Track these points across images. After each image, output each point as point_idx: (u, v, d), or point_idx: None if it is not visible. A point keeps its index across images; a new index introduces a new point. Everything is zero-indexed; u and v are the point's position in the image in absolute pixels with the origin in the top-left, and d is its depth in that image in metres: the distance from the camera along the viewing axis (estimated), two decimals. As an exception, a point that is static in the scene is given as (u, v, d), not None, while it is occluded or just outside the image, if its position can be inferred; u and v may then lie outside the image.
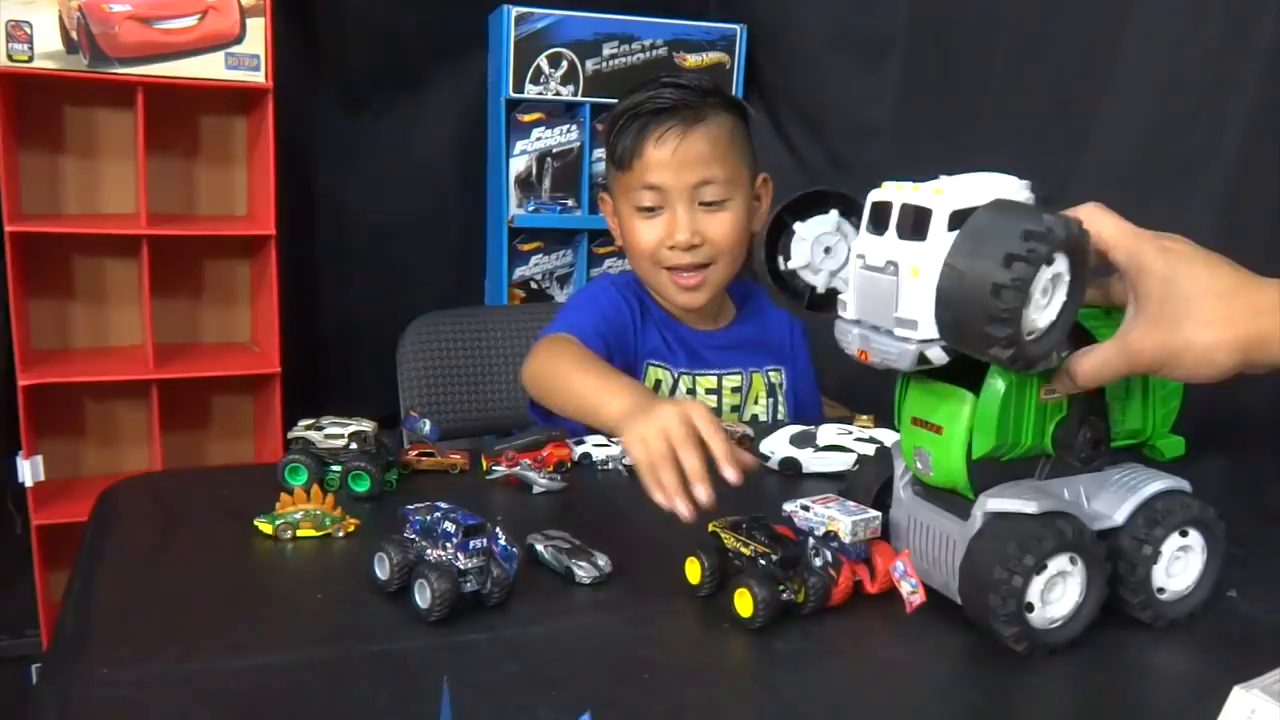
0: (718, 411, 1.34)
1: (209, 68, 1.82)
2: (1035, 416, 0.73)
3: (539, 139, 2.13)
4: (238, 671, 0.66)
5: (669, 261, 1.29)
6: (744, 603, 0.73)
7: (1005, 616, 0.69)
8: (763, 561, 0.75)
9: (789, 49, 2.05)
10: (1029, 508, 0.71)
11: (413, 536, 0.77)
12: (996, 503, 0.72)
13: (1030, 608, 0.70)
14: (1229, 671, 0.60)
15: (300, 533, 0.88)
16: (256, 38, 1.83)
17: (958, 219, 0.66)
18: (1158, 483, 0.76)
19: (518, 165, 2.13)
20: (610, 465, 1.11)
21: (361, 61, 2.13)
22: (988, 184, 0.69)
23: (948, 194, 0.67)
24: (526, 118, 2.11)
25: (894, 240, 0.69)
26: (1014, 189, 0.70)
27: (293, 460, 0.97)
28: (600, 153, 2.18)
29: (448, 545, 0.74)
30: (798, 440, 1.14)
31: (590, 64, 2.09)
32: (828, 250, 0.77)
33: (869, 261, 0.71)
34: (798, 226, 0.77)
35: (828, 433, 1.11)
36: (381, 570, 0.77)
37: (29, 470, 1.86)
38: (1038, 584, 0.70)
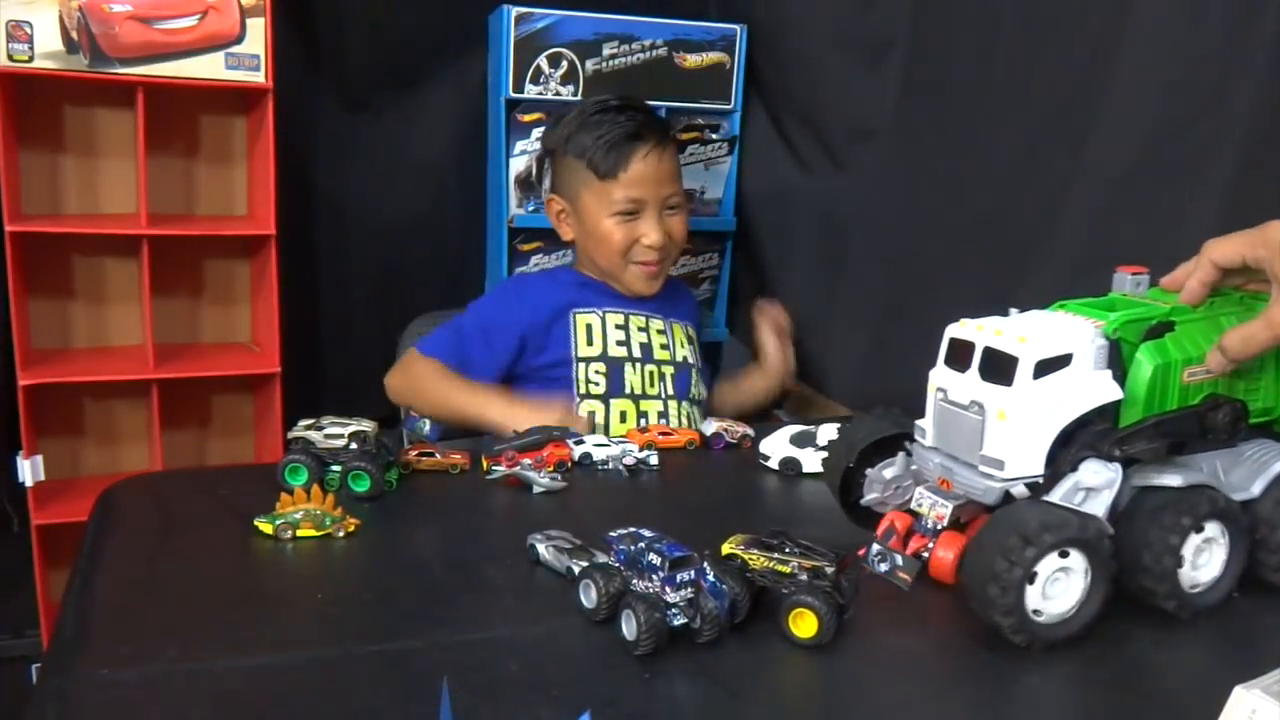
0: (648, 348, 1.60)
1: (209, 68, 1.82)
2: (1179, 397, 0.78)
3: (539, 139, 2.13)
4: (238, 671, 0.66)
5: (639, 257, 1.59)
6: (807, 624, 0.71)
7: (1159, 574, 0.74)
8: (804, 576, 0.73)
9: (789, 49, 2.05)
10: (1174, 481, 0.75)
11: (618, 565, 0.74)
12: (1142, 478, 0.76)
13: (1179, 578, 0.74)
14: (1230, 671, 0.60)
15: (300, 533, 0.88)
16: (256, 38, 1.83)
17: (1042, 368, 0.72)
18: None
19: (518, 165, 2.12)
20: (610, 465, 1.11)
21: (361, 61, 2.13)
22: (1064, 330, 0.75)
23: (1031, 343, 0.72)
24: (526, 118, 2.11)
25: (977, 381, 0.75)
26: (1087, 334, 0.74)
27: (293, 460, 0.97)
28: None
29: (654, 577, 0.71)
30: (798, 440, 1.14)
31: (590, 64, 2.09)
32: (898, 488, 0.83)
33: (951, 397, 0.76)
34: (870, 472, 0.84)
35: (828, 431, 1.11)
36: (588, 598, 0.74)
37: (29, 470, 1.85)
38: (1189, 550, 0.74)
